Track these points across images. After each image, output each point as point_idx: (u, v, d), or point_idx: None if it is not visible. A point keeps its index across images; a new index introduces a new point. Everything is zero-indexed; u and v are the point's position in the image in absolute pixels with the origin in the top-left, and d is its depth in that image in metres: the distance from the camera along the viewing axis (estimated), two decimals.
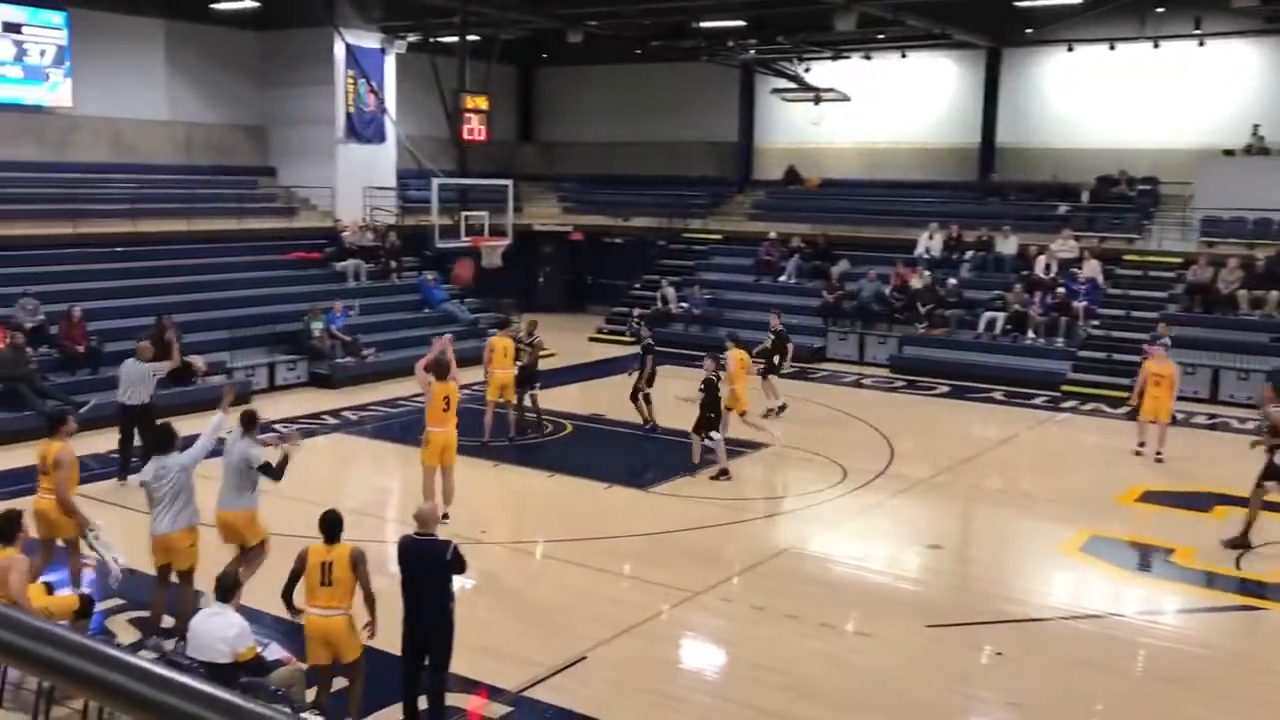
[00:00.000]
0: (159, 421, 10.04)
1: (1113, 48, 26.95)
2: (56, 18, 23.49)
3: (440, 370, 12.51)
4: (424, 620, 7.84)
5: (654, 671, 9.13)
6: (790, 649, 9.53)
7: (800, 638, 9.78)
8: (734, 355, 15.77)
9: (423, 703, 7.92)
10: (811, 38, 28.08)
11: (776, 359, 19.23)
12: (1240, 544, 12.19)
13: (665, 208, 30.80)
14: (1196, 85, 26.70)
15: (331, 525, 8.03)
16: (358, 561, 7.87)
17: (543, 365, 22.13)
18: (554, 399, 19.04)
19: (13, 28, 22.88)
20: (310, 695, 7.89)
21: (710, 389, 14.72)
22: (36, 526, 9.58)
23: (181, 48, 26.31)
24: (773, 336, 19.40)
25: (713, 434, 14.63)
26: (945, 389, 21.37)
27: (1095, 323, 22.87)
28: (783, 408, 18.64)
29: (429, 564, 7.90)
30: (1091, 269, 23.76)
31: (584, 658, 9.19)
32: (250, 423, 10.15)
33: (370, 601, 7.88)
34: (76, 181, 23.16)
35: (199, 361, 17.70)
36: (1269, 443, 12.48)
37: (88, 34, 24.07)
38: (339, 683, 8.54)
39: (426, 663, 7.90)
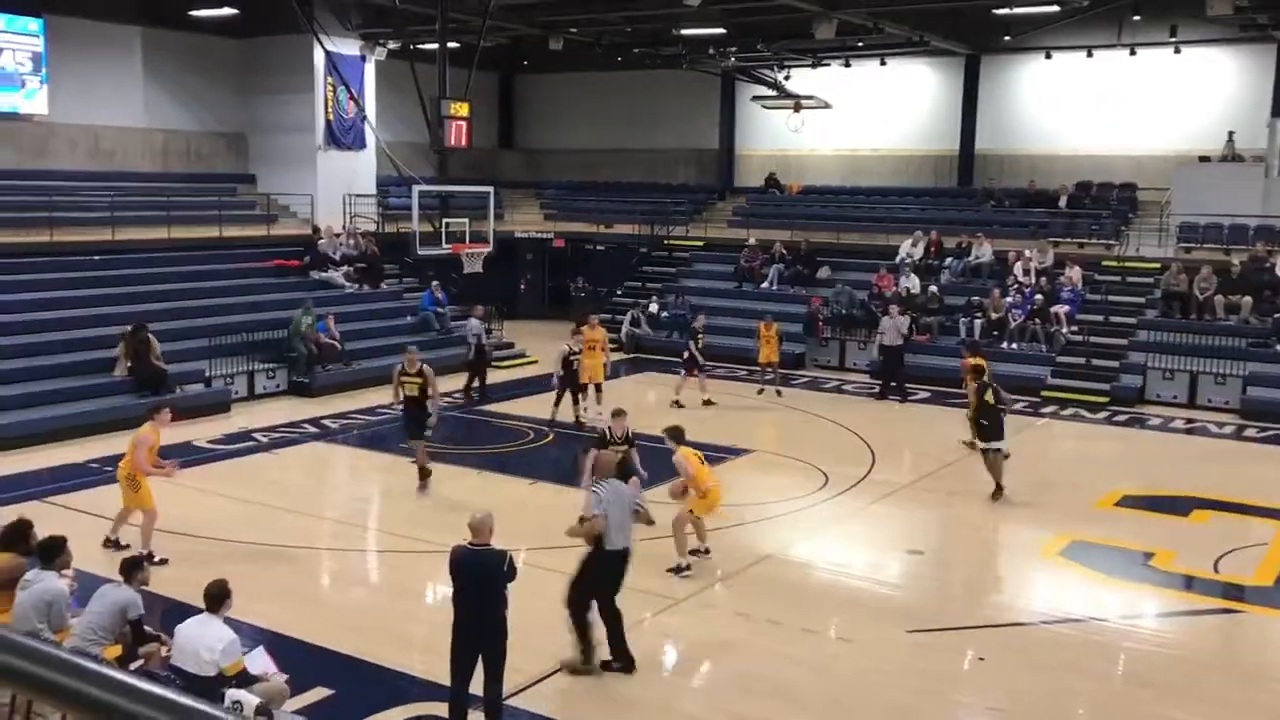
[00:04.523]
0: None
1: (1090, 55, 27.16)
2: (33, 24, 23.35)
3: None
4: (481, 631, 7.79)
5: (636, 679, 9.11)
6: (773, 655, 9.53)
7: (782, 644, 9.78)
8: None
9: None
10: (791, 45, 28.18)
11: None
12: None
13: (647, 215, 30.84)
14: (1173, 92, 26.95)
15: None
16: None
17: (524, 372, 22.20)
18: (536, 406, 19.03)
19: None
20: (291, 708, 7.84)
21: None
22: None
23: (159, 55, 26.19)
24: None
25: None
26: (925, 394, 21.44)
27: (1074, 328, 23.01)
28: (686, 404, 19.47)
29: (486, 573, 7.81)
30: (1075, 275, 23.92)
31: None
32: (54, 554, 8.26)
33: None
34: (54, 189, 23.02)
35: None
36: None
37: (64, 41, 23.93)
38: (322, 692, 8.51)
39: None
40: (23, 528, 8.66)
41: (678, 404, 19.79)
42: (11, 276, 20.20)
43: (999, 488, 14.39)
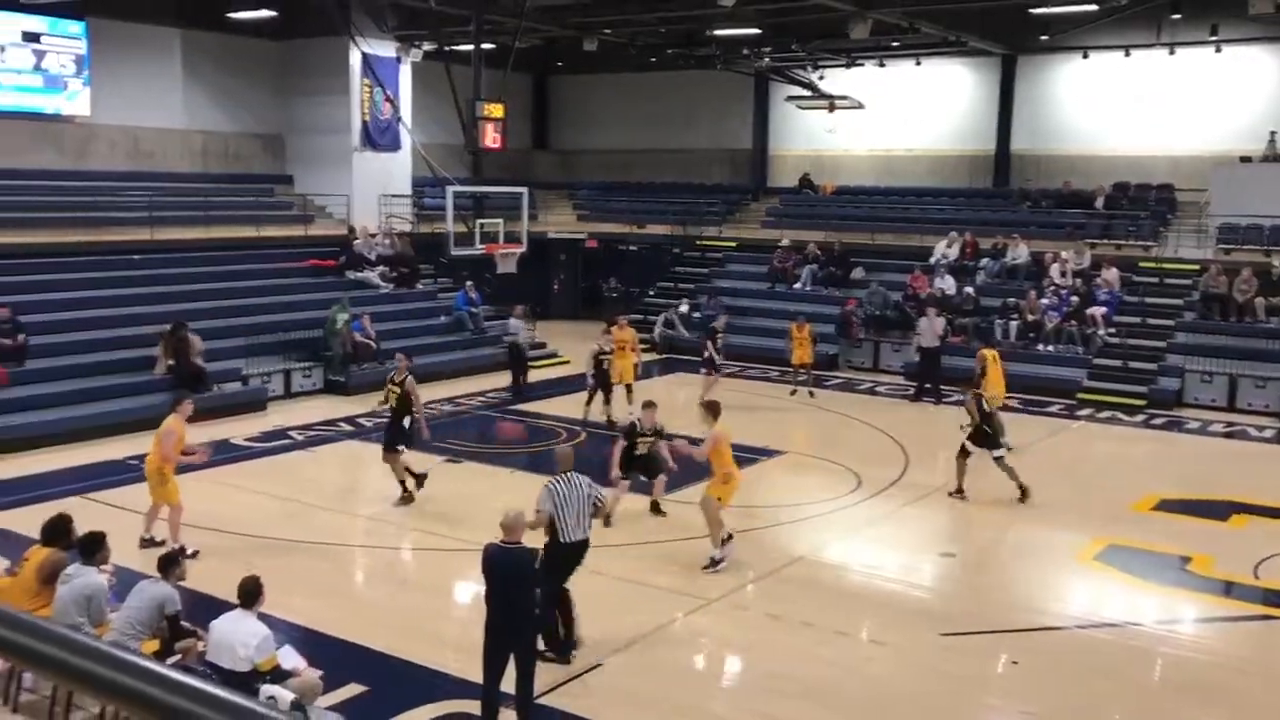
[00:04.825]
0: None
1: (1128, 55, 26.88)
2: (75, 27, 23.68)
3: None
4: (512, 628, 7.84)
5: (667, 679, 9.13)
6: (804, 657, 9.52)
7: (814, 646, 9.76)
8: None
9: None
10: (826, 45, 28.09)
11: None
12: None
13: (680, 215, 30.85)
14: (1213, 92, 26.61)
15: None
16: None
17: (556, 372, 22.27)
18: (569, 405, 19.09)
19: (32, 37, 23.08)
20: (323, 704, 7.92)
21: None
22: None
23: (199, 57, 26.48)
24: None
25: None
26: (961, 397, 21.27)
27: (1111, 330, 22.79)
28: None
29: (516, 572, 7.86)
30: (1112, 276, 23.70)
31: (599, 665, 9.20)
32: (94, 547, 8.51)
33: None
34: (95, 190, 23.32)
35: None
36: None
37: (106, 43, 24.25)
38: (355, 688, 8.59)
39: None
40: (63, 523, 8.79)
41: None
42: (53, 275, 20.49)
43: (1023, 489, 14.25)
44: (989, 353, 17.98)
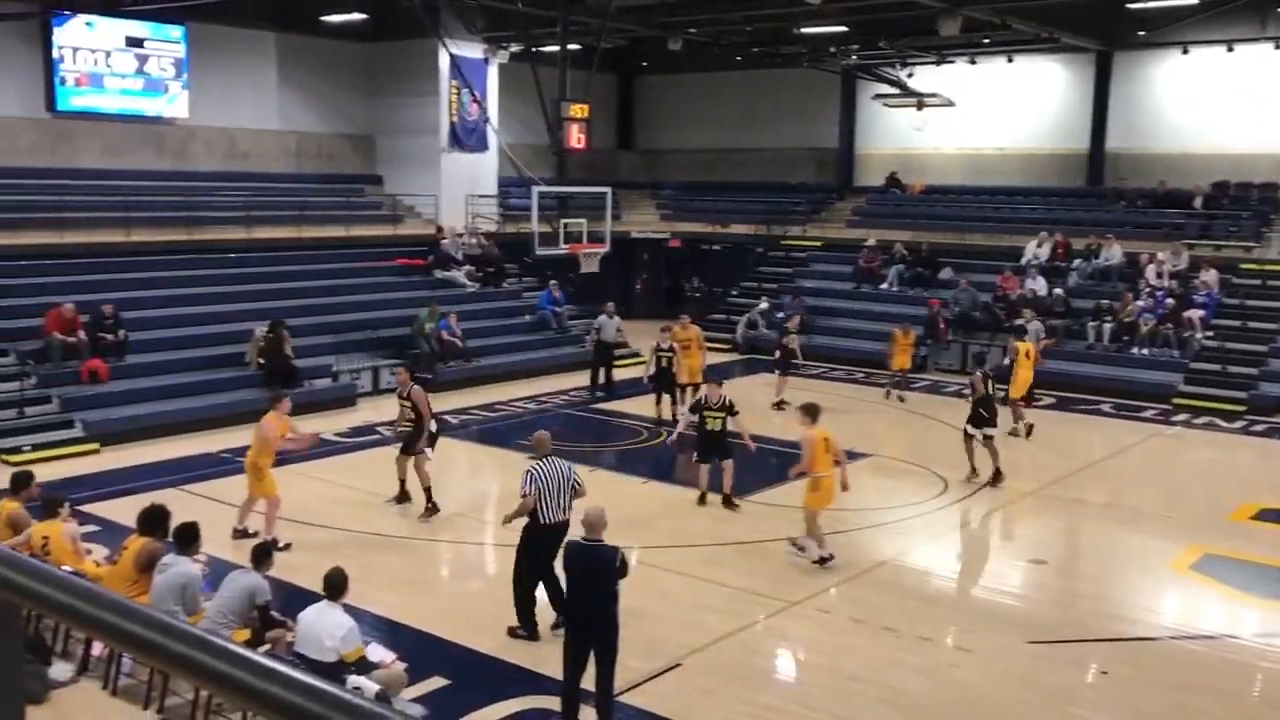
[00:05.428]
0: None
1: (1231, 49, 26.04)
2: (175, 32, 24.38)
3: None
4: (593, 626, 7.92)
5: (747, 680, 9.09)
6: (886, 662, 9.40)
7: (897, 651, 9.64)
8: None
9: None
10: (915, 42, 27.71)
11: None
12: None
13: (764, 215, 30.69)
14: None
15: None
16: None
17: (637, 371, 22.27)
18: (648, 405, 19.10)
19: (135, 42, 23.83)
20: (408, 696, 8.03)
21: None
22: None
23: (293, 59, 27.08)
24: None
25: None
26: (1050, 400, 20.87)
27: (1209, 334, 22.13)
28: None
29: (598, 569, 7.93)
30: (1210, 278, 23.01)
31: (679, 664, 9.20)
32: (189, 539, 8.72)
33: None
34: (193, 190, 23.97)
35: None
36: None
37: (204, 47, 24.92)
38: (439, 681, 8.69)
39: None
40: (160, 514, 9.05)
41: (780, 405, 19.62)
42: (152, 273, 21.10)
43: (998, 471, 14.80)
44: (1023, 346, 18.48)
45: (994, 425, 15.03)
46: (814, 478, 11.45)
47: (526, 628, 9.54)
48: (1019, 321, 21.25)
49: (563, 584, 9.30)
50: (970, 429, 15.06)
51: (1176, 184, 26.53)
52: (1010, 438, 16.95)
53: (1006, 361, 17.82)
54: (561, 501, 9.55)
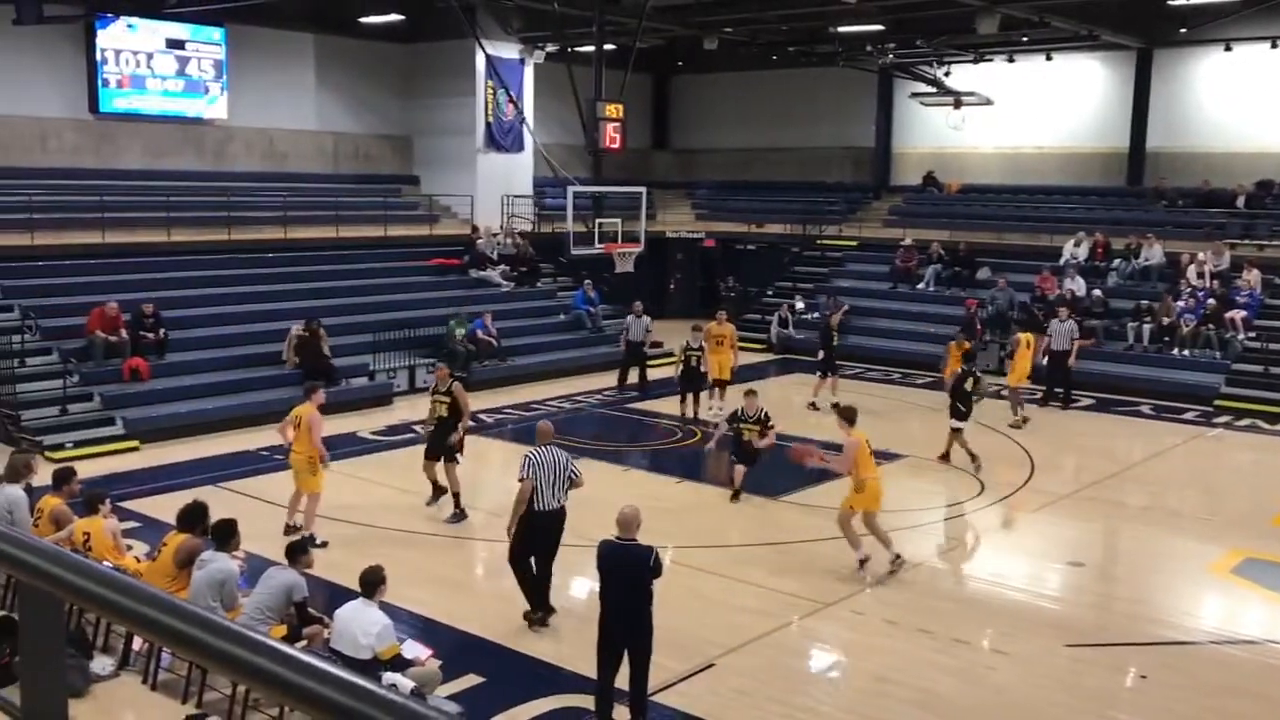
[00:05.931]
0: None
1: (1275, 46, 25.64)
2: (215, 34, 24.64)
3: None
4: (626, 625, 7.93)
5: (781, 681, 9.07)
6: (921, 664, 9.35)
7: (932, 653, 9.58)
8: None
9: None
10: (952, 41, 27.50)
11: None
12: None
13: (800, 214, 30.57)
14: None
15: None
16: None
17: (670, 371, 22.29)
18: (679, 405, 19.09)
19: (176, 44, 24.11)
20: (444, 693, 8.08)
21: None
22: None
23: (330, 61, 27.29)
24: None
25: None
26: (1089, 401, 20.66)
27: (1251, 335, 21.82)
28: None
29: (632, 568, 7.93)
30: (1253, 278, 22.69)
31: (712, 665, 9.19)
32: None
33: None
34: (232, 190, 24.21)
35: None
36: None
37: (243, 49, 25.17)
38: (473, 679, 8.74)
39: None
40: (199, 510, 9.16)
41: (813, 406, 19.54)
42: (192, 273, 21.33)
43: (948, 455, 15.73)
44: (1025, 336, 19.38)
45: (965, 420, 15.64)
46: (859, 479, 11.35)
47: (540, 609, 9.79)
48: (1054, 321, 21.00)
49: (551, 580, 9.80)
50: (955, 422, 15.61)
51: (1219, 183, 26.19)
52: (1011, 430, 18.09)
53: (1009, 350, 18.19)
54: (555, 489, 9.72)
